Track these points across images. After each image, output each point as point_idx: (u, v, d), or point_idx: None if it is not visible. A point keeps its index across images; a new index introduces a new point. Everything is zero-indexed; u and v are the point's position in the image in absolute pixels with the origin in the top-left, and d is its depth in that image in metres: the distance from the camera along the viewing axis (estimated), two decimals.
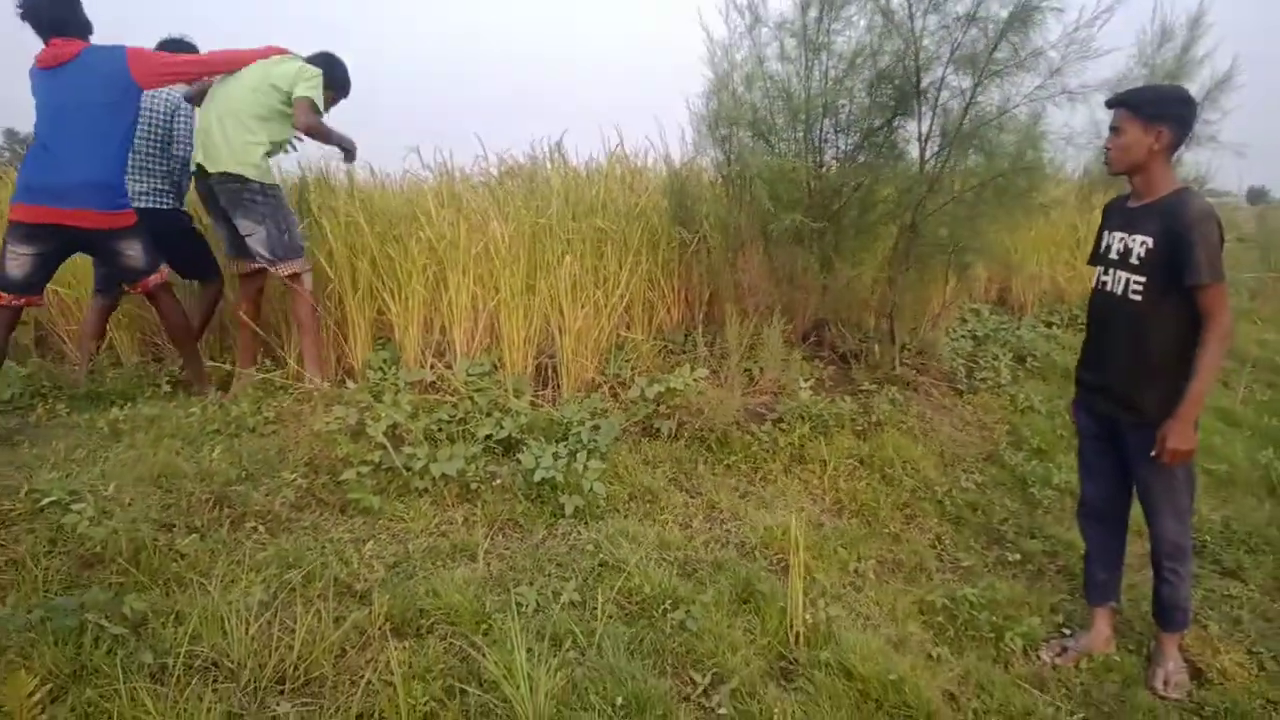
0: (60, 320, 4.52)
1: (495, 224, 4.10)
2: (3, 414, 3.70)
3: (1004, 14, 4.04)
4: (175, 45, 4.19)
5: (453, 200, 4.58)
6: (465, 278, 4.04)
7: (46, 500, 2.58)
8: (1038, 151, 4.38)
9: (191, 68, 3.87)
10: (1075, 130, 4.59)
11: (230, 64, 3.88)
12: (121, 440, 3.26)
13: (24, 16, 3.48)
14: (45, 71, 3.50)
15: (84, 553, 2.45)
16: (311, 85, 3.84)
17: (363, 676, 2.11)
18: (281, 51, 3.93)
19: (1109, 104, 2.71)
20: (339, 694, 2.06)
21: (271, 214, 3.86)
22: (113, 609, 2.17)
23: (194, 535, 2.60)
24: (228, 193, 3.81)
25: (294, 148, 4.18)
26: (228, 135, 3.77)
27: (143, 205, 3.97)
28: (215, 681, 2.04)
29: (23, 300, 3.54)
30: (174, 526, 2.63)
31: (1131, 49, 6.22)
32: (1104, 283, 2.77)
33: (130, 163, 3.87)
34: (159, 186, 4.17)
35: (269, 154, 3.90)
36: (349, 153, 4.19)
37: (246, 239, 3.86)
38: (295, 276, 3.93)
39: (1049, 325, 6.59)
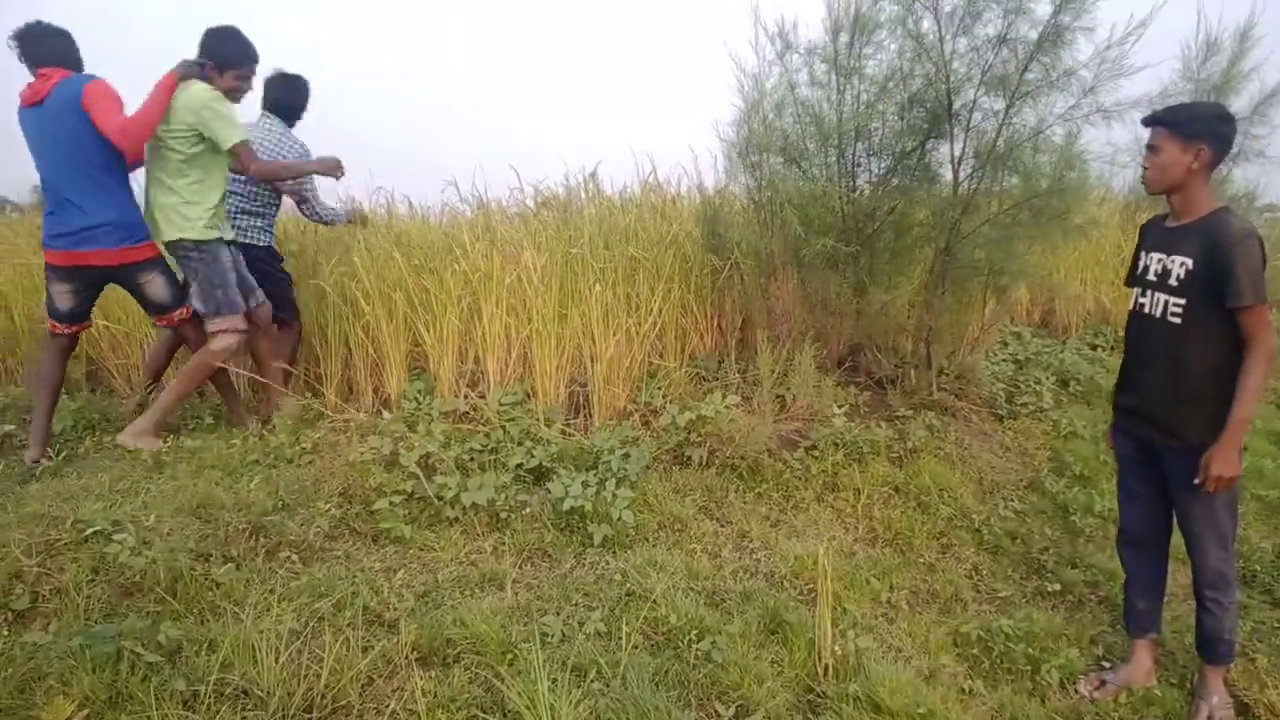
0: (110, 354, 4.68)
1: (528, 254, 4.16)
2: (56, 449, 3.84)
3: (1033, 35, 4.01)
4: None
5: (487, 232, 4.66)
6: (499, 308, 4.10)
7: (90, 530, 2.67)
8: (1075, 171, 4.32)
9: (134, 131, 3.47)
10: (1119, 148, 4.53)
11: (159, 110, 3.50)
12: (164, 472, 3.36)
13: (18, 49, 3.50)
14: (28, 109, 3.50)
15: (124, 581, 2.52)
16: (222, 119, 3.59)
17: (388, 705, 2.13)
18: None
19: (1146, 122, 2.66)
20: None
21: (202, 271, 3.73)
22: (149, 637, 2.23)
23: (230, 564, 2.67)
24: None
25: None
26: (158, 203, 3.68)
27: (242, 240, 4.14)
28: (244, 709, 2.08)
29: (74, 329, 3.73)
30: (211, 556, 2.69)
31: (1176, 63, 6.13)
32: (1141, 305, 2.72)
33: (234, 196, 4.11)
34: (255, 224, 4.29)
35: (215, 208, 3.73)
36: (330, 173, 4.10)
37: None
38: (216, 334, 3.77)
39: (1093, 348, 6.45)
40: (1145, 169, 2.64)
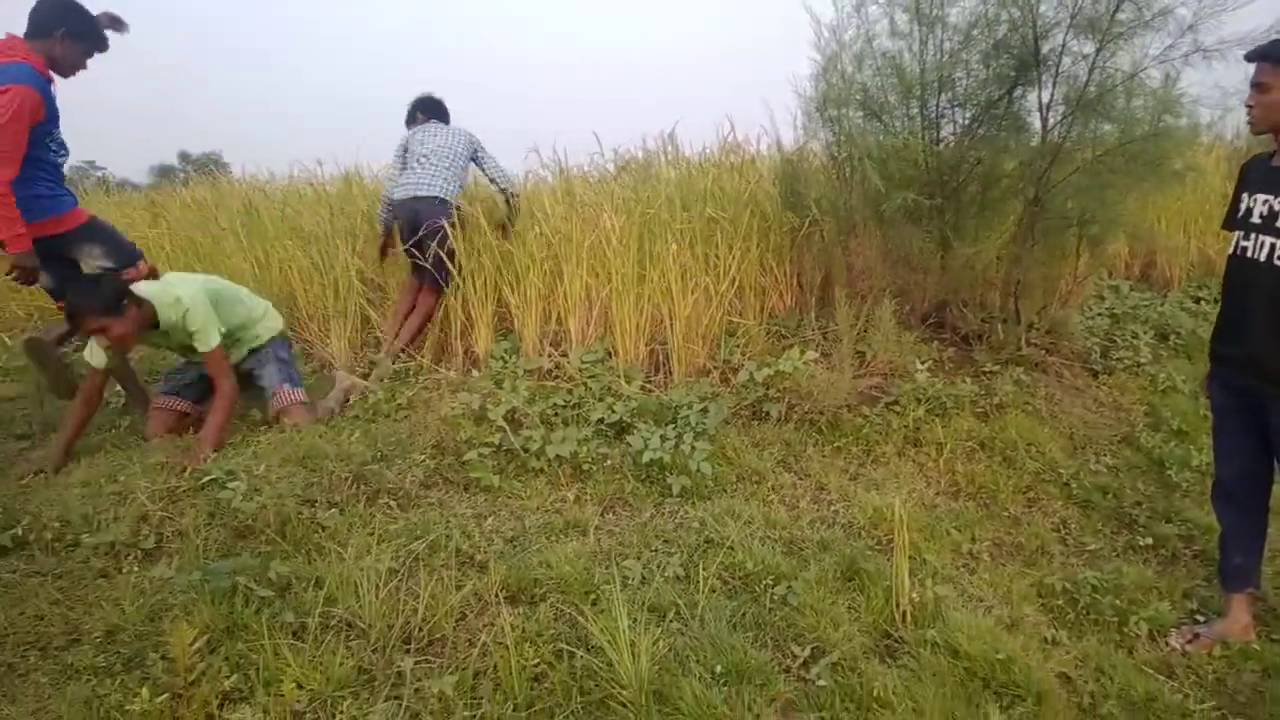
0: None
1: (607, 216, 4.24)
2: None
3: None
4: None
5: (567, 196, 4.76)
6: (579, 269, 4.20)
7: (207, 479, 2.90)
8: (1173, 115, 4.12)
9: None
10: (1226, 90, 4.28)
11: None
12: (272, 426, 3.59)
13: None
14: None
15: (237, 524, 2.74)
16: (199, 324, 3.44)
17: (479, 638, 2.27)
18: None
19: (1249, 57, 2.54)
20: (458, 653, 2.23)
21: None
22: (260, 573, 2.43)
23: (333, 509, 2.86)
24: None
25: None
26: None
27: None
28: (348, 639, 2.25)
29: None
30: (316, 502, 2.89)
31: None
32: (1244, 248, 2.60)
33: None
34: None
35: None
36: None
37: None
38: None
39: (1196, 301, 6.16)
40: (1250, 107, 2.52)
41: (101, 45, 3.59)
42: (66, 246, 3.61)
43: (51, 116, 3.43)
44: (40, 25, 3.40)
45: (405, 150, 4.65)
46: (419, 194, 4.39)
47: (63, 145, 3.57)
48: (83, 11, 3.49)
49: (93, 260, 3.66)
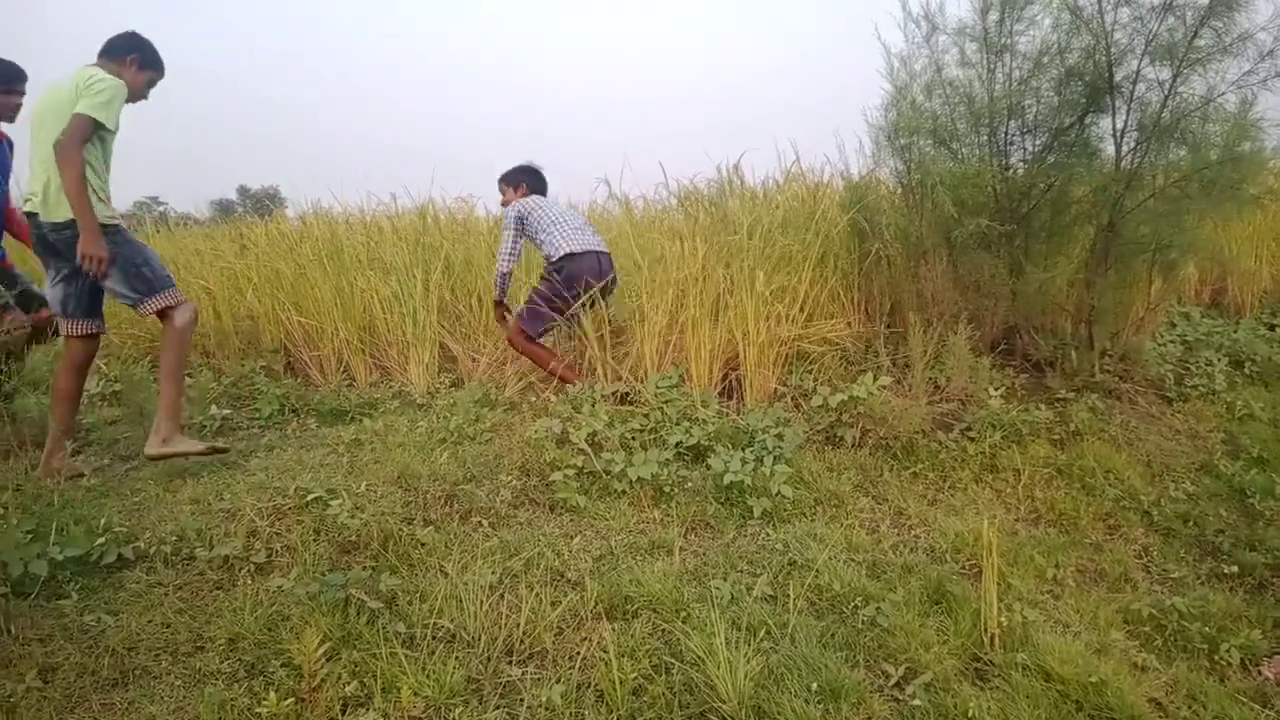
0: (304, 347, 5.17)
1: (681, 245, 4.34)
2: (265, 428, 4.33)
3: (1204, 0, 3.85)
4: None
5: (633, 226, 4.88)
6: (657, 299, 4.30)
7: (311, 496, 3.03)
8: (1250, 140, 4.11)
9: None
10: None
11: None
12: (363, 448, 3.73)
13: None
14: None
15: (342, 540, 2.85)
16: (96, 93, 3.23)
17: (579, 651, 2.35)
18: None
19: None
20: (560, 665, 2.31)
21: (126, 251, 3.40)
22: (370, 586, 2.53)
23: (430, 527, 2.97)
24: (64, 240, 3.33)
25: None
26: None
27: None
28: (456, 650, 2.34)
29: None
30: (413, 519, 3.00)
31: None
32: None
33: None
34: None
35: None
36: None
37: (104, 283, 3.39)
38: (165, 312, 3.47)
39: (1271, 328, 6.04)
40: None
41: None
42: None
43: None
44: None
45: (544, 213, 4.58)
46: (600, 249, 4.52)
47: None
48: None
49: None
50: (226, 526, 2.90)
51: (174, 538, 2.82)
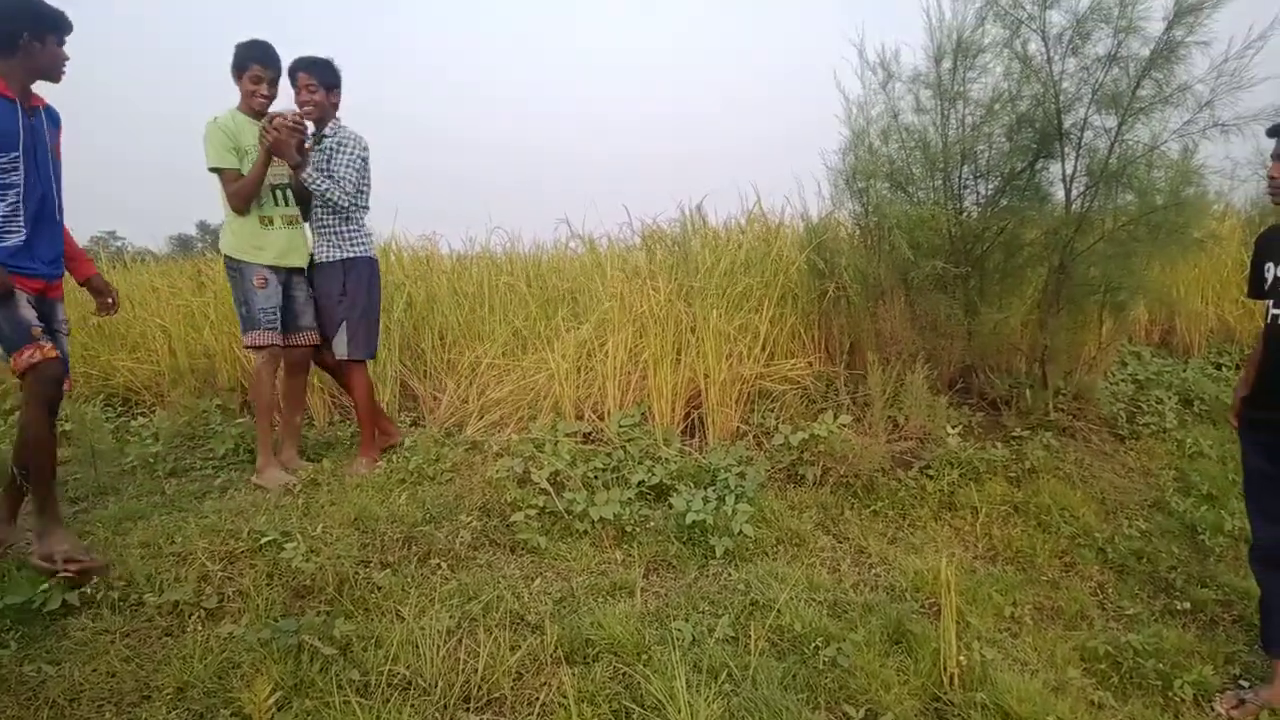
0: None
1: (650, 286, 4.38)
2: (219, 469, 4.24)
3: (1145, 52, 4.01)
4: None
5: (598, 266, 4.91)
6: (619, 336, 4.32)
7: (264, 539, 2.97)
8: (1192, 186, 4.26)
9: None
10: (1238, 162, 4.45)
11: None
12: (320, 489, 3.67)
13: None
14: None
15: (296, 584, 2.80)
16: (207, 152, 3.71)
17: (538, 697, 2.32)
18: None
19: (1273, 132, 2.66)
20: (518, 712, 2.28)
21: (235, 288, 3.88)
22: (324, 632, 2.49)
23: (387, 570, 2.93)
24: None
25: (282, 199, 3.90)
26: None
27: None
28: (412, 698, 2.29)
29: None
30: (370, 563, 2.96)
31: None
32: (1276, 315, 2.69)
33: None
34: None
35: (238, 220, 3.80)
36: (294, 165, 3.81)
37: None
38: (254, 349, 3.91)
39: (1217, 366, 6.22)
40: (1273, 178, 2.64)
41: (67, 26, 2.99)
42: None
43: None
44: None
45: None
46: None
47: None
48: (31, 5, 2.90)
49: None
50: (177, 571, 2.84)
51: (122, 583, 2.75)
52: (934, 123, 4.63)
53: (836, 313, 4.94)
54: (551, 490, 3.46)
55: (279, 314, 3.89)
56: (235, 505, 3.50)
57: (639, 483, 3.67)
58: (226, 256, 3.85)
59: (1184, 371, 5.81)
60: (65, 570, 2.69)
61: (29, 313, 2.90)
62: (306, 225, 4.06)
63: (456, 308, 5.27)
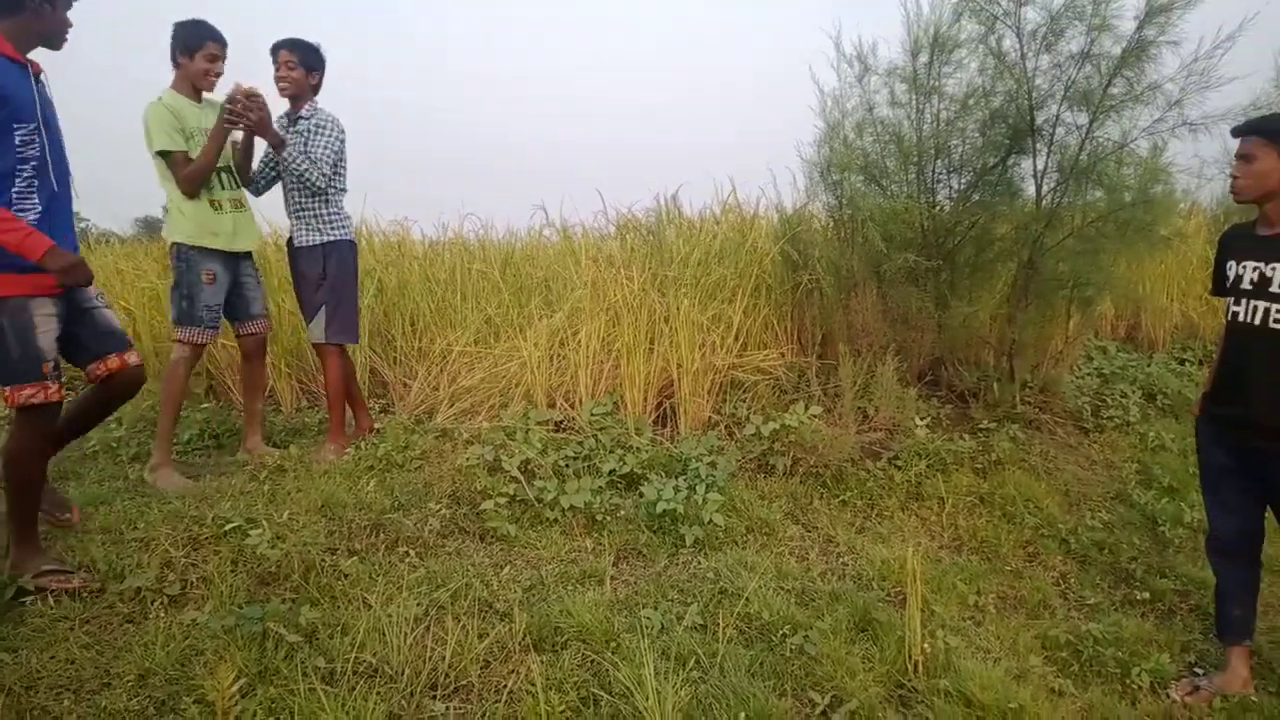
0: (228, 371, 5.03)
1: (624, 275, 4.37)
2: (184, 454, 4.18)
3: (1117, 50, 4.06)
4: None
5: (572, 254, 4.90)
6: (592, 325, 4.31)
7: (229, 526, 2.93)
8: (1160, 184, 4.33)
9: None
10: (1205, 160, 4.53)
11: None
12: (287, 475, 3.63)
13: None
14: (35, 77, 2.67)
15: (261, 571, 2.77)
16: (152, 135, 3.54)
17: (506, 685, 2.31)
18: None
19: (1237, 131, 2.69)
20: (485, 700, 2.27)
21: (180, 278, 3.69)
22: (289, 619, 2.46)
23: (355, 557, 2.90)
24: None
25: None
26: None
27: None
28: (378, 685, 2.28)
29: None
30: (337, 550, 2.93)
31: (1269, 73, 6.05)
32: (1235, 313, 2.74)
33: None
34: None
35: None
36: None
37: None
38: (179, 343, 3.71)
39: (1181, 362, 6.34)
40: (1235, 178, 2.67)
41: None
42: None
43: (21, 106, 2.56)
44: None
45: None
46: None
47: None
48: None
49: None
50: (139, 557, 2.79)
51: (82, 569, 2.70)
52: (909, 116, 4.66)
53: (809, 304, 4.97)
54: (522, 478, 3.45)
55: (221, 310, 3.80)
56: (199, 491, 3.45)
57: (610, 471, 3.67)
58: (177, 244, 3.67)
59: (1148, 366, 5.92)
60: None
61: (48, 342, 2.62)
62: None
63: (428, 294, 5.22)
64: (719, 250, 4.98)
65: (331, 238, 3.93)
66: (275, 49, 3.85)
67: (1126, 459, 4.63)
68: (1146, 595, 3.36)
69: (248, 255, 3.93)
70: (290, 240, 4.01)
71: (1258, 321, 2.64)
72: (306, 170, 3.78)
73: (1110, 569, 3.58)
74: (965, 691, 2.44)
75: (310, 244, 3.94)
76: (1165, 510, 3.96)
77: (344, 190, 4.03)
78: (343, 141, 3.94)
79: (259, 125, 3.63)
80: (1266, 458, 2.66)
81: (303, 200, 3.92)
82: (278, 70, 3.84)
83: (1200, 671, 2.88)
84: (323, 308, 3.93)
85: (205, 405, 4.80)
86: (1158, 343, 6.71)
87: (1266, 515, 2.79)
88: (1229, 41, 3.91)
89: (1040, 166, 4.43)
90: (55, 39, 2.75)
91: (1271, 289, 2.60)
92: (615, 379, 4.36)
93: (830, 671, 2.49)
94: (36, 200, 2.64)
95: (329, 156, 3.85)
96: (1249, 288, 2.68)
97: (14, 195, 2.58)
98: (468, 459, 3.54)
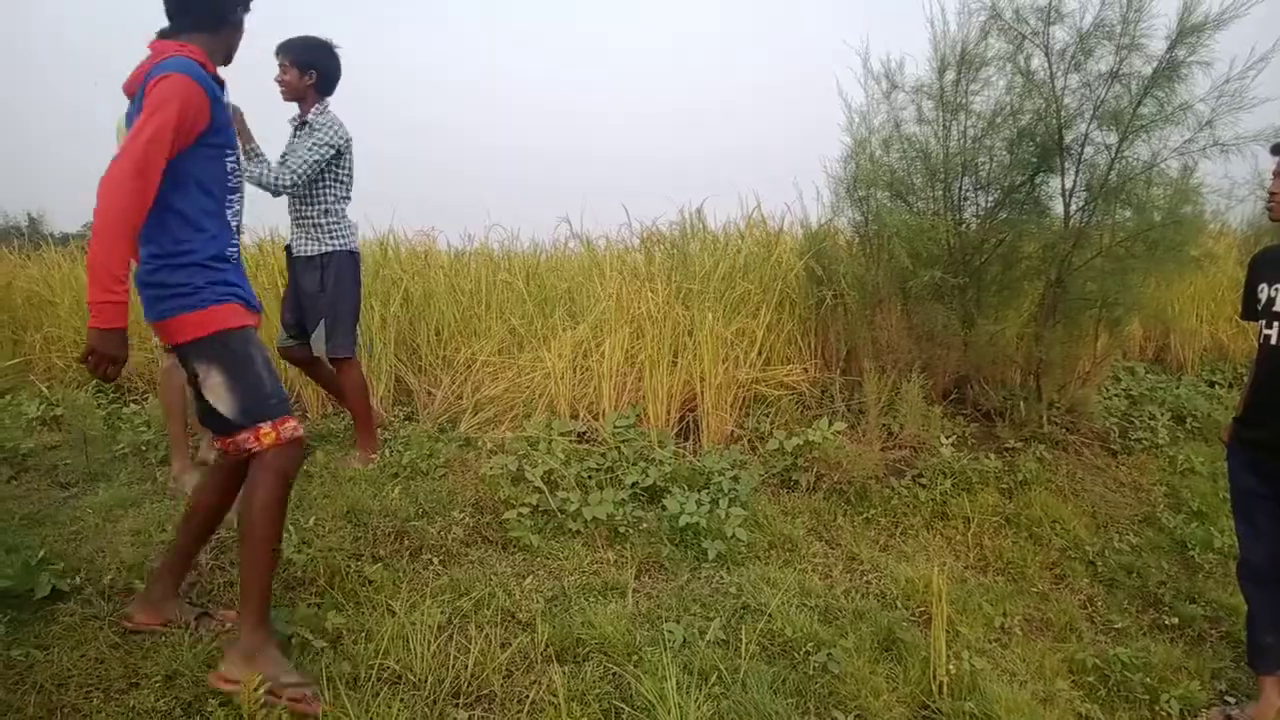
0: None
1: (649, 289, 4.39)
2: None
3: (1147, 70, 4.04)
4: None
5: (596, 266, 4.92)
6: (616, 337, 4.32)
7: None
8: (1191, 204, 4.29)
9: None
10: (1236, 181, 4.48)
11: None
12: (313, 481, 3.66)
13: None
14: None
15: (288, 576, 2.79)
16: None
17: (528, 695, 2.31)
18: None
19: (1277, 149, 2.68)
20: (508, 709, 2.27)
21: None
22: (315, 624, 2.48)
23: (379, 564, 2.92)
24: None
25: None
26: None
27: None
28: (401, 692, 2.28)
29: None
30: (362, 556, 2.95)
31: None
32: (1268, 336, 2.71)
33: None
34: None
35: None
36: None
37: None
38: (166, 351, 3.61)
39: (1210, 384, 6.25)
40: (1273, 195, 2.65)
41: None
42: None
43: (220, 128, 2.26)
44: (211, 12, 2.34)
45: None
46: None
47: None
48: None
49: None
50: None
51: (112, 569, 2.74)
52: (936, 133, 4.65)
53: (834, 320, 4.96)
54: (545, 489, 3.46)
55: None
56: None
57: (633, 484, 3.67)
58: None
59: (1177, 388, 5.84)
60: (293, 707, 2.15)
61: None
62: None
63: (454, 304, 5.26)
64: (743, 264, 4.99)
65: (330, 248, 3.83)
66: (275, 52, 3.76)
67: (1155, 482, 4.57)
68: (1175, 620, 3.31)
69: None
70: (288, 248, 3.95)
71: None
72: (260, 176, 3.62)
73: (1138, 593, 3.53)
74: (991, 714, 2.42)
75: (308, 254, 3.85)
76: (1195, 534, 3.90)
77: (346, 199, 3.91)
78: (339, 149, 3.77)
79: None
80: None
81: (300, 208, 3.83)
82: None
83: (1232, 700, 2.83)
84: (322, 321, 3.86)
85: None
86: (1187, 364, 6.63)
87: None
88: (1262, 62, 3.89)
89: (1068, 185, 4.41)
90: (232, 55, 2.47)
91: None
92: (638, 391, 4.37)
93: (854, 691, 2.47)
94: (236, 238, 2.39)
95: (307, 158, 3.67)
96: None
97: (229, 234, 2.32)
98: (491, 468, 3.56)
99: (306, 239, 3.85)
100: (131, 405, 5.00)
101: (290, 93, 3.77)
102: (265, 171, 3.65)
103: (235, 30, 2.43)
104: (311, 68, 3.75)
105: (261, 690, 2.05)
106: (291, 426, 2.27)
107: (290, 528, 2.95)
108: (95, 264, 2.00)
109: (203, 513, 2.49)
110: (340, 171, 3.85)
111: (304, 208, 3.83)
